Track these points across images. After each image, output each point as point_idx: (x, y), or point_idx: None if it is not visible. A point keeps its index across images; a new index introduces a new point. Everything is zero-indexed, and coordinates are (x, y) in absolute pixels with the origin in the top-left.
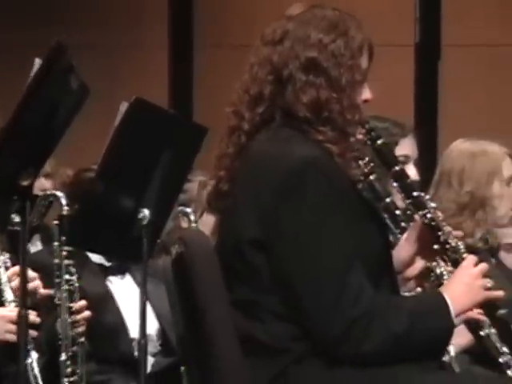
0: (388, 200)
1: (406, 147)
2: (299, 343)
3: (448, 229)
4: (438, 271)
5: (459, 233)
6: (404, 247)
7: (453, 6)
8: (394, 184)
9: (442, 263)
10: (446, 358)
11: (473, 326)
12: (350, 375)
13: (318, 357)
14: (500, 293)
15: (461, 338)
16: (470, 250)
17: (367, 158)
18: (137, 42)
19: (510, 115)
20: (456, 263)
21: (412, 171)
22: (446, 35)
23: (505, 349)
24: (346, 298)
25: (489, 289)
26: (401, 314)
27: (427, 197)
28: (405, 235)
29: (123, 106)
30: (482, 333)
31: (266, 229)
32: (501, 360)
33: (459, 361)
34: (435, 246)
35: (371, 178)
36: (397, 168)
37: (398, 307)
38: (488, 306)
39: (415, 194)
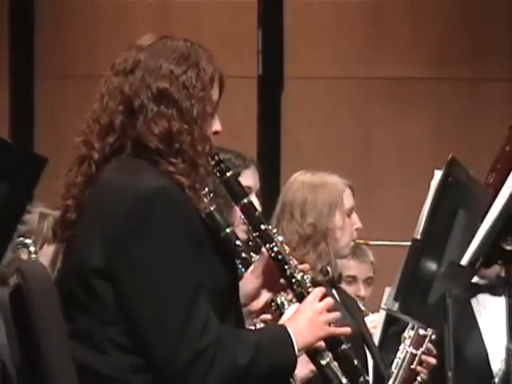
0: (228, 231)
1: (248, 178)
2: (141, 375)
3: (294, 262)
4: (278, 301)
5: (306, 266)
6: (249, 280)
7: (295, 39)
8: (242, 217)
9: (283, 293)
10: None
11: (314, 354)
12: None
13: None
14: (346, 329)
15: (302, 368)
16: (313, 283)
17: (207, 189)
18: None
19: (349, 148)
20: (301, 297)
21: (254, 202)
22: (289, 68)
23: (345, 382)
24: (191, 330)
25: (334, 323)
26: (245, 347)
27: (274, 230)
28: (251, 268)
29: None
30: (322, 362)
31: (111, 257)
32: None
33: None
34: (281, 280)
35: (211, 208)
36: (245, 201)
37: (242, 340)
38: (331, 341)
39: (263, 227)
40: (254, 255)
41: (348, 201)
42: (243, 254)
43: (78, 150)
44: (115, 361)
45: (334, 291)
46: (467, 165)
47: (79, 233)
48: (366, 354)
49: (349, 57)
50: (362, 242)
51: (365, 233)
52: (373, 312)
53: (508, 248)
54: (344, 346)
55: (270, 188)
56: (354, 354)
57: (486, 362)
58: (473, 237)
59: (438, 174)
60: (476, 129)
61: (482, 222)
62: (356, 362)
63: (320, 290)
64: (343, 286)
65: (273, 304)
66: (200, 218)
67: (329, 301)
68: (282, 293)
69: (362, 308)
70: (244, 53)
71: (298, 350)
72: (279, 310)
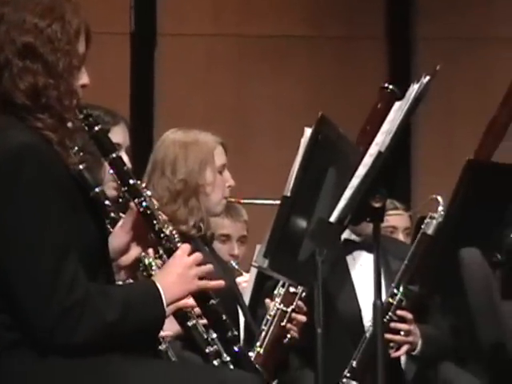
0: (97, 190)
1: (117, 135)
2: (11, 332)
3: (163, 217)
4: (146, 261)
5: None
6: (118, 235)
7: None
8: (111, 171)
9: (151, 253)
10: (162, 347)
11: (180, 316)
12: (62, 365)
13: (30, 346)
14: (218, 282)
15: (173, 326)
16: (185, 237)
17: (76, 148)
18: None
19: (223, 106)
20: (170, 252)
21: (124, 158)
22: (162, 24)
23: (214, 336)
24: (58, 287)
25: (203, 278)
26: (114, 303)
27: (143, 185)
28: (120, 223)
29: None
30: (189, 323)
31: None
32: (207, 350)
33: (171, 347)
34: (150, 235)
35: (81, 167)
36: (114, 155)
37: (111, 297)
38: (200, 296)
39: (131, 181)
40: (123, 215)
41: (220, 158)
42: (112, 214)
43: None
44: None
45: (206, 247)
46: (340, 123)
47: None
48: (237, 311)
49: (223, 14)
50: (233, 199)
51: (240, 191)
52: (247, 271)
53: (376, 205)
54: (212, 301)
55: (143, 145)
56: (225, 309)
57: (358, 318)
58: (342, 194)
59: (308, 132)
60: (349, 87)
61: (351, 179)
62: (224, 317)
63: (188, 246)
64: (217, 244)
65: (141, 265)
66: (70, 175)
67: (198, 255)
68: (151, 253)
69: (236, 267)
70: (116, 9)
71: (168, 305)
72: (147, 272)
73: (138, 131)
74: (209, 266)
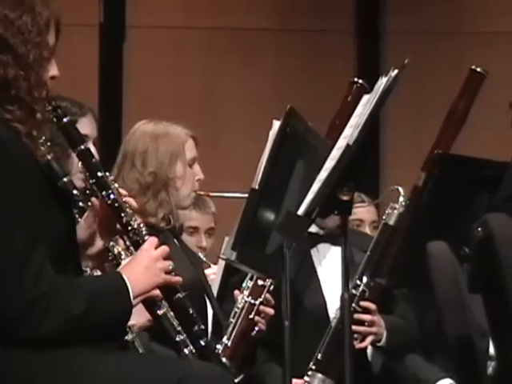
0: (65, 180)
1: (85, 126)
2: None
3: (131, 210)
4: (115, 251)
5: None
6: (84, 226)
7: None
8: (79, 163)
9: (121, 243)
10: (129, 337)
11: (150, 304)
12: (27, 357)
13: None
14: (178, 278)
15: (140, 317)
16: (154, 229)
17: (44, 137)
18: None
19: (193, 98)
20: (137, 245)
21: (92, 150)
22: (131, 16)
23: (180, 328)
24: (25, 279)
25: (169, 272)
26: (80, 296)
27: (111, 177)
28: (86, 214)
29: None
30: (159, 312)
31: None
32: (177, 339)
33: (139, 339)
34: (117, 227)
35: (48, 157)
36: (82, 147)
37: (77, 289)
38: (167, 289)
39: (99, 174)
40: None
41: (190, 151)
42: (80, 204)
43: None
44: None
45: (175, 240)
46: (308, 116)
47: None
48: (205, 303)
49: (192, 6)
50: (202, 193)
51: (209, 183)
52: (215, 263)
53: (344, 198)
54: (179, 295)
55: (111, 137)
56: (193, 303)
57: (324, 310)
58: (310, 187)
59: (276, 124)
60: (318, 80)
61: (319, 172)
62: (191, 311)
63: (155, 239)
64: (185, 236)
65: (110, 254)
66: (38, 166)
67: (164, 248)
68: (120, 242)
69: (204, 259)
70: (86, 1)
71: (134, 297)
72: (116, 260)
73: (107, 123)
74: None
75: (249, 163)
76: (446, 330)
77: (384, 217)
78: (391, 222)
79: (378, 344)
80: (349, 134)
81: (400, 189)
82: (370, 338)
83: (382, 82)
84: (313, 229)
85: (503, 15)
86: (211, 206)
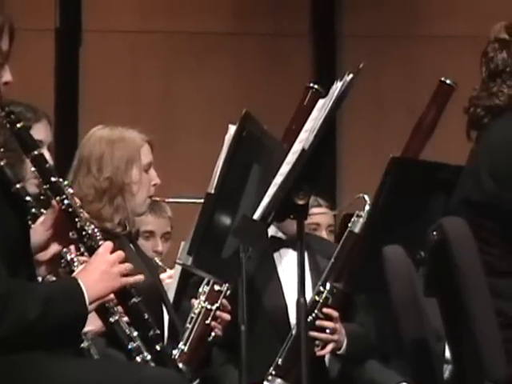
0: (18, 186)
1: (39, 132)
2: None
3: (85, 215)
4: (68, 257)
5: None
6: (38, 231)
7: None
8: (33, 168)
9: (73, 250)
10: (84, 344)
11: (103, 312)
12: None
13: None
14: (139, 277)
15: (96, 322)
16: (110, 234)
17: None
18: None
19: (150, 103)
20: (92, 250)
21: (46, 155)
22: (87, 20)
23: (135, 334)
24: None
25: (127, 274)
26: (35, 300)
27: (65, 183)
28: (40, 219)
29: None
30: (111, 319)
31: None
32: (130, 346)
33: (95, 344)
34: (72, 233)
35: (1, 163)
36: (36, 152)
37: (32, 293)
38: (122, 293)
39: (53, 179)
40: (45, 211)
41: (146, 156)
42: (33, 210)
43: None
44: None
45: (131, 245)
46: (266, 118)
47: None
48: (161, 309)
49: (149, 10)
50: (158, 198)
51: (165, 187)
52: (171, 267)
53: (300, 202)
54: (134, 300)
55: (67, 142)
56: (149, 307)
57: (285, 315)
58: (266, 191)
59: (232, 129)
60: (275, 83)
61: (275, 176)
62: (147, 316)
63: (110, 243)
64: (141, 241)
65: (62, 261)
66: None
67: (120, 253)
68: (73, 249)
69: (160, 263)
70: (41, 5)
71: (91, 302)
72: (69, 267)
73: (63, 128)
74: (129, 264)
75: (205, 167)
76: (402, 334)
77: (350, 224)
78: (356, 230)
79: (338, 352)
80: (304, 138)
81: (366, 197)
82: (330, 346)
83: (337, 87)
84: (275, 233)
85: (457, 19)
86: (167, 210)
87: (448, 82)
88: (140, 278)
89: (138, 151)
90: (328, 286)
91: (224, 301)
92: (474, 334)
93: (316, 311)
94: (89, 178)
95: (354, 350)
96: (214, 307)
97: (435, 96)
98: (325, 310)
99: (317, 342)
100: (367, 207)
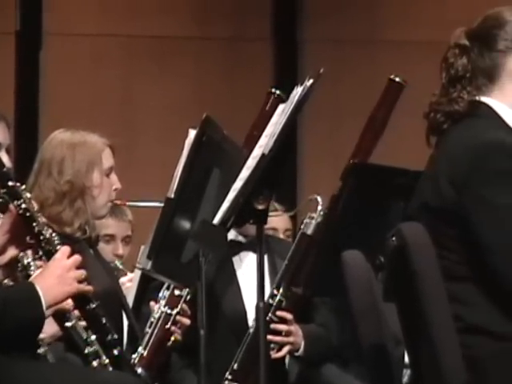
0: None
1: None
2: None
3: (43, 220)
4: (25, 262)
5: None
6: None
7: None
8: None
9: (30, 254)
10: (41, 350)
11: (59, 317)
12: None
13: None
14: (88, 288)
15: (53, 326)
16: (69, 239)
17: None
18: None
19: (109, 106)
20: (49, 255)
21: (4, 158)
22: (48, 23)
23: (93, 339)
24: None
25: (82, 281)
26: None
27: (23, 187)
28: (0, 221)
29: None
30: (68, 324)
31: None
32: (86, 351)
33: (54, 349)
34: (29, 237)
35: None
36: None
37: None
38: (79, 298)
39: (11, 183)
40: (2, 215)
41: (107, 161)
42: None
43: None
44: None
45: (91, 250)
46: (228, 123)
47: None
48: (121, 313)
49: (109, 14)
50: (119, 202)
51: (125, 190)
52: (131, 271)
53: (259, 207)
54: (92, 305)
55: (28, 145)
56: (108, 312)
57: (243, 319)
58: (226, 195)
59: (192, 133)
60: (236, 87)
61: (235, 181)
62: (104, 321)
63: (67, 248)
64: (102, 244)
65: (19, 265)
66: None
67: (77, 258)
68: (29, 253)
69: (120, 267)
70: (1, 8)
71: (48, 307)
72: (25, 271)
73: (23, 131)
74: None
75: (166, 171)
76: (361, 339)
77: (302, 226)
78: (309, 232)
79: (296, 354)
80: (264, 143)
81: (318, 198)
82: (286, 348)
83: (298, 92)
84: (235, 236)
85: (417, 25)
86: (128, 213)
87: (397, 79)
88: (91, 289)
89: (99, 155)
90: (282, 288)
91: (184, 305)
92: (433, 339)
93: (270, 314)
94: (49, 180)
95: (312, 351)
96: (174, 312)
97: (385, 94)
98: (278, 312)
99: (272, 345)
100: (320, 208)
